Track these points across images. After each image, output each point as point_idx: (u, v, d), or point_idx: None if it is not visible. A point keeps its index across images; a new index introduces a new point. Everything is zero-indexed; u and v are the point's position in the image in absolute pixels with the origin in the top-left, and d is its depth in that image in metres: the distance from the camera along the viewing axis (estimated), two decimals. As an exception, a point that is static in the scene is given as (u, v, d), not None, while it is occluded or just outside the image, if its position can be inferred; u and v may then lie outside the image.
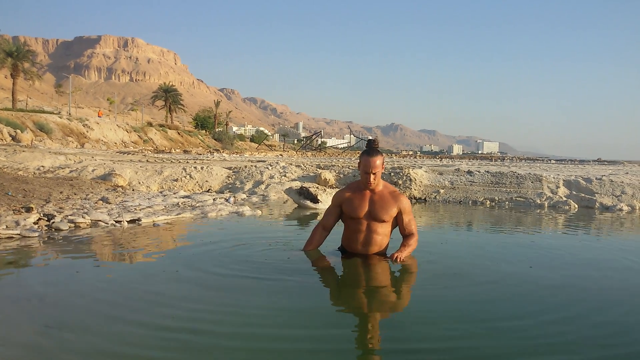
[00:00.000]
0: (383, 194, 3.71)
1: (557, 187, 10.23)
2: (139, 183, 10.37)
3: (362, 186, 3.73)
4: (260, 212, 7.46)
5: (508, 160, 48.96)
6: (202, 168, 11.55)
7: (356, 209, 3.69)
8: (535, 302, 3.06)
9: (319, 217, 7.32)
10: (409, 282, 3.46)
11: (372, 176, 3.60)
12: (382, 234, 3.73)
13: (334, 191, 9.54)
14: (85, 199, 7.53)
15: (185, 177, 10.86)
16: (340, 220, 3.92)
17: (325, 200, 8.60)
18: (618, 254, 4.86)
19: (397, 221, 3.77)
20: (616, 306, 3.01)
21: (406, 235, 3.79)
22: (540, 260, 4.41)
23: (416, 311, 2.83)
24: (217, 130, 76.99)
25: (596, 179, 10.37)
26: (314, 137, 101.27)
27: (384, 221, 3.68)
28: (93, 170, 10.96)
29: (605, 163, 41.37)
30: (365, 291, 3.17)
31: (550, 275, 3.77)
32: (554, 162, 44.20)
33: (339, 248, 3.99)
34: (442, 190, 10.45)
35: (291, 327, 2.53)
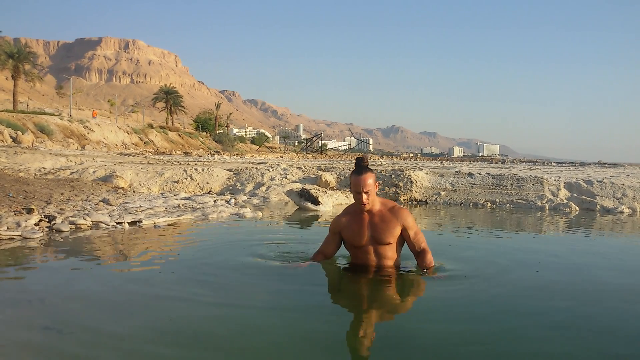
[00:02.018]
0: (382, 213, 3.42)
1: (558, 189, 10.22)
2: (140, 185, 10.37)
3: (358, 209, 3.43)
4: (261, 214, 7.46)
5: (509, 163, 48.93)
6: (202, 170, 11.55)
7: (357, 237, 3.42)
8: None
9: (320, 219, 7.35)
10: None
11: (364, 195, 3.31)
12: (391, 257, 3.44)
13: (334, 193, 9.54)
14: (86, 200, 7.53)
15: (186, 178, 10.86)
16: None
17: (326, 202, 8.60)
18: None
19: (404, 238, 3.48)
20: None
21: (418, 253, 3.49)
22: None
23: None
24: (217, 132, 76.99)
25: (597, 181, 10.36)
26: (314, 139, 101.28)
27: (389, 243, 3.40)
28: (94, 172, 10.96)
29: (606, 165, 41.33)
30: (384, 313, 2.90)
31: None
32: (554, 164, 44.14)
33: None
34: (443, 193, 10.45)
35: (292, 336, 2.50)
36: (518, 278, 3.71)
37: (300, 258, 3.91)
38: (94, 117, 52.96)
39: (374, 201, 3.40)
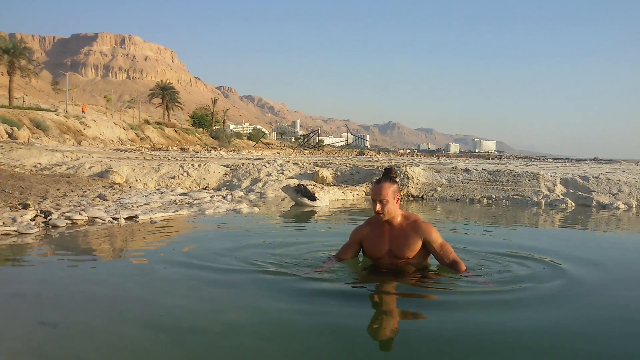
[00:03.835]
0: (402, 227, 3.32)
1: (555, 185, 10.25)
2: (136, 180, 10.35)
3: (379, 220, 3.35)
4: (258, 209, 7.46)
5: (505, 159, 49.06)
6: (199, 166, 11.53)
7: (375, 249, 3.37)
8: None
9: (316, 215, 7.35)
10: None
11: (378, 204, 3.23)
12: (410, 271, 3.31)
13: (331, 189, 9.54)
14: (82, 196, 7.52)
15: (182, 174, 10.85)
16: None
17: (323, 197, 8.60)
18: None
19: (429, 252, 3.37)
20: None
21: (449, 265, 3.32)
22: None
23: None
24: (214, 128, 76.82)
25: (593, 177, 10.40)
26: (311, 135, 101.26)
27: (408, 258, 3.30)
28: (90, 168, 10.93)
29: (602, 161, 41.52)
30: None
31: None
32: (551, 160, 44.32)
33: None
34: (439, 188, 10.46)
35: (285, 326, 2.50)
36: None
37: (295, 257, 3.84)
38: (83, 111, 52.76)
39: (392, 213, 3.29)
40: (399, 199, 3.33)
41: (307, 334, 2.39)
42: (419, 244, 3.29)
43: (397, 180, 3.36)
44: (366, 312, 2.72)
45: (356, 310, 2.71)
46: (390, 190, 3.25)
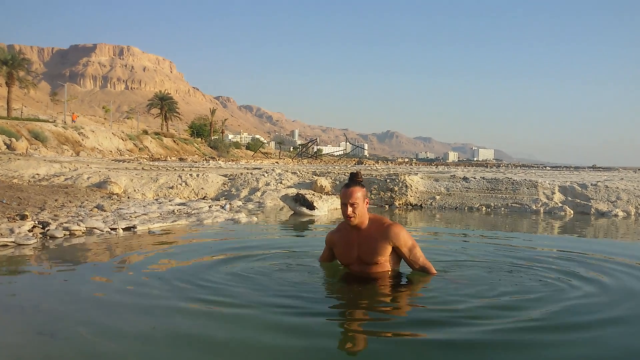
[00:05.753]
0: (369, 232, 3.26)
1: (553, 193, 10.25)
2: (135, 191, 10.34)
3: (348, 225, 3.31)
4: (256, 219, 7.45)
5: (503, 167, 49.11)
6: (197, 175, 11.53)
7: (345, 256, 3.37)
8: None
9: (315, 224, 7.35)
10: None
11: (349, 208, 3.17)
12: (382, 276, 3.27)
13: (330, 198, 9.53)
14: (80, 206, 7.50)
15: (180, 184, 10.84)
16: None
17: (321, 206, 8.59)
18: None
19: (401, 257, 3.34)
20: None
21: (418, 270, 3.32)
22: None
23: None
24: (212, 138, 76.93)
25: (591, 185, 10.41)
26: (309, 144, 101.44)
27: (376, 263, 3.25)
28: (88, 178, 10.92)
29: (601, 169, 41.58)
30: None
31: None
32: (549, 168, 44.39)
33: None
34: (438, 197, 10.46)
35: (283, 341, 2.47)
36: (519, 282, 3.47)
37: (290, 261, 3.87)
38: (73, 120, 52.89)
39: (362, 217, 3.25)
40: (367, 202, 3.31)
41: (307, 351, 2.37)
42: (388, 249, 3.23)
43: (364, 184, 3.33)
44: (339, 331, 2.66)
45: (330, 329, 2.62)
46: (360, 194, 3.22)
